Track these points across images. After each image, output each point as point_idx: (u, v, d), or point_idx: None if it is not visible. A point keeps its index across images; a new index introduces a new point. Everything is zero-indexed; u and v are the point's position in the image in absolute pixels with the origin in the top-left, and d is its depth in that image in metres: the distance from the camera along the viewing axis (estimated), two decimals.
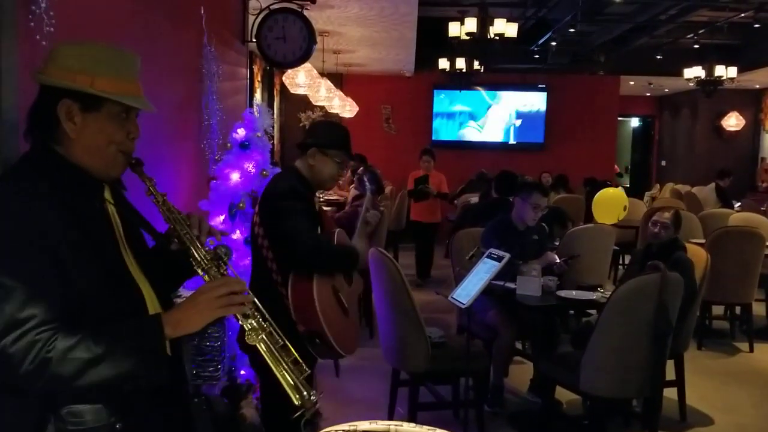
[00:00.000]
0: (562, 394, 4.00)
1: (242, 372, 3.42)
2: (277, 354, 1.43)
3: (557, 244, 5.44)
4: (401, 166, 11.82)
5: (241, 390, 3.31)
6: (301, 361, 1.47)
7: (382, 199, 8.12)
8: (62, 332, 1.29)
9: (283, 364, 1.43)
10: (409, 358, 3.73)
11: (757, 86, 12.44)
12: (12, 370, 1.26)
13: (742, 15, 8.45)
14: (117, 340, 1.33)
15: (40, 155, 1.43)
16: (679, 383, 4.22)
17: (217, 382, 3.19)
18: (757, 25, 8.64)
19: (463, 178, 9.58)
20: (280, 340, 1.46)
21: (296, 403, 1.42)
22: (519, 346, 4.97)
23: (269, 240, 2.56)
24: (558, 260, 4.34)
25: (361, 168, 7.60)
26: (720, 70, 9.49)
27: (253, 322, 1.44)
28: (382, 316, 3.89)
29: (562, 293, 3.99)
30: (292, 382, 1.42)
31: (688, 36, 9.60)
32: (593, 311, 4.58)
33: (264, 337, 1.44)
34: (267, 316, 1.48)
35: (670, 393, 4.22)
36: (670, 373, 4.16)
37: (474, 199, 7.54)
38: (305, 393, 1.42)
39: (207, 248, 1.52)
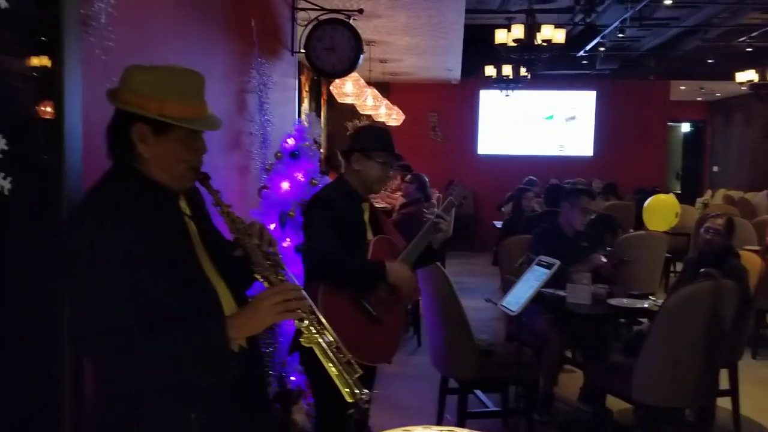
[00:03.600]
0: (614, 402, 3.94)
1: (293, 378, 3.48)
2: (331, 354, 1.52)
3: (609, 251, 5.38)
4: (448, 173, 11.84)
5: (292, 395, 3.37)
6: (353, 362, 1.56)
7: (429, 207, 8.15)
8: (138, 336, 1.42)
9: (337, 364, 1.52)
10: (458, 365, 3.73)
11: None
12: (96, 371, 1.47)
13: None
14: (186, 342, 1.46)
15: (120, 172, 1.57)
16: (734, 393, 4.12)
17: (269, 387, 3.26)
18: None
19: (511, 186, 9.55)
20: (334, 342, 1.55)
21: (349, 400, 1.51)
22: (569, 354, 4.93)
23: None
24: (604, 261, 4.29)
25: (408, 176, 7.64)
26: None
27: (308, 324, 1.53)
28: (430, 324, 3.91)
29: (613, 301, 3.94)
30: (344, 381, 1.51)
31: (741, 39, 9.37)
32: (645, 320, 4.52)
33: (319, 339, 1.53)
34: (322, 319, 1.57)
35: (724, 403, 4.12)
36: (724, 383, 4.07)
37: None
38: (357, 391, 1.51)
39: (267, 255, 1.61)
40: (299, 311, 1.52)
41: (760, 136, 12.87)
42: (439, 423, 3.96)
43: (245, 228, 1.62)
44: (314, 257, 2.55)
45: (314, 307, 1.56)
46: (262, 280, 1.58)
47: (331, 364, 1.51)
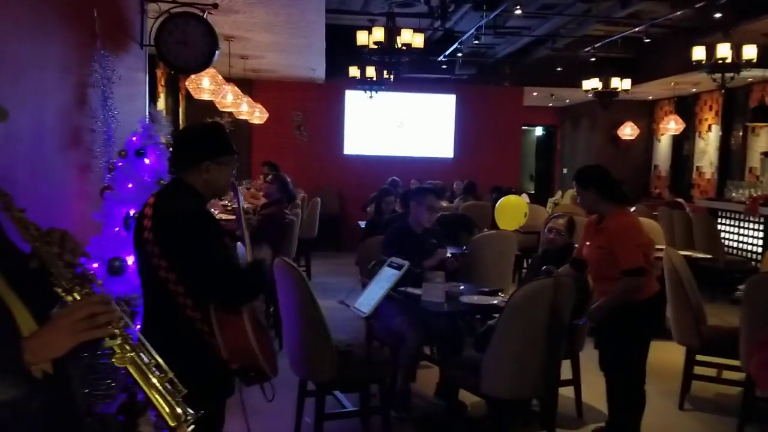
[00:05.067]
0: (468, 396, 4.08)
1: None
2: (149, 375, 1.38)
3: (464, 249, 5.57)
4: (314, 173, 11.82)
5: (138, 407, 3.19)
6: (176, 380, 1.43)
7: (293, 207, 8.06)
8: None
9: (157, 386, 1.38)
10: (316, 367, 3.71)
11: (650, 98, 13.17)
12: None
13: (635, 30, 8.94)
14: None
15: None
16: (576, 382, 4.39)
17: (112, 400, 3.07)
18: (648, 40, 9.14)
19: (376, 186, 9.66)
20: (153, 360, 1.41)
21: (171, 424, 1.37)
22: (427, 350, 5.05)
23: (178, 272, 2.30)
24: (449, 256, 4.45)
25: (270, 176, 7.51)
26: (615, 82, 9.99)
27: (121, 342, 1.36)
28: (288, 326, 3.85)
29: (464, 299, 4.09)
30: (165, 402, 1.38)
31: (586, 49, 10.05)
32: (497, 315, 4.72)
33: (133, 357, 1.37)
34: (140, 336, 1.43)
35: (568, 392, 4.39)
36: (568, 373, 4.33)
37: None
38: (180, 412, 1.39)
39: (70, 266, 1.42)
40: (109, 327, 1.35)
41: (603, 140, 13.89)
42: (297, 427, 3.92)
43: (42, 235, 1.42)
44: (232, 284, 2.33)
45: (128, 321, 1.40)
46: (63, 294, 1.38)
47: (148, 386, 1.36)
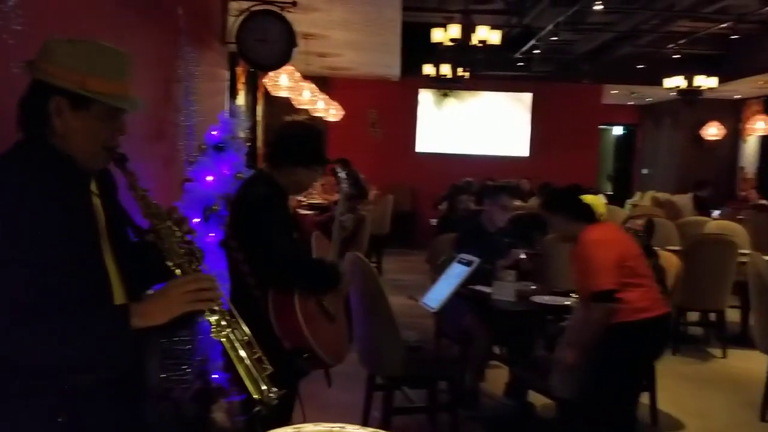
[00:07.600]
0: (538, 397, 4.02)
1: (215, 376, 3.41)
2: (240, 350, 1.48)
3: (537, 250, 5.48)
4: (386, 170, 11.88)
5: (212, 394, 3.29)
6: (264, 359, 1.52)
7: (365, 204, 8.14)
8: (32, 315, 1.35)
9: (246, 360, 1.48)
10: (385, 362, 3.73)
11: (737, 96, 12.57)
12: None
13: (722, 26, 8.57)
14: (83, 325, 1.40)
15: (30, 146, 1.48)
16: (651, 388, 4.26)
17: (187, 386, 3.18)
18: (736, 36, 8.75)
19: (447, 184, 9.62)
20: (245, 337, 1.50)
21: (255, 397, 1.48)
22: (497, 350, 5.00)
23: (245, 253, 2.49)
24: (523, 257, 4.39)
25: (343, 171, 7.61)
26: (700, 80, 9.61)
27: (218, 318, 1.48)
28: (358, 320, 3.89)
29: (536, 298, 4.02)
30: (252, 377, 1.48)
31: (670, 46, 9.70)
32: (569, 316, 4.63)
33: (228, 333, 1.48)
34: (235, 313, 1.52)
35: (643, 398, 4.25)
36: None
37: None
38: (265, 389, 1.48)
39: (182, 244, 1.55)
40: (211, 302, 1.47)
41: (686, 140, 13.37)
42: (365, 420, 3.95)
43: (160, 213, 1.55)
44: (285, 266, 2.48)
45: (228, 300, 1.52)
46: (174, 268, 1.51)
47: (238, 360, 1.47)
